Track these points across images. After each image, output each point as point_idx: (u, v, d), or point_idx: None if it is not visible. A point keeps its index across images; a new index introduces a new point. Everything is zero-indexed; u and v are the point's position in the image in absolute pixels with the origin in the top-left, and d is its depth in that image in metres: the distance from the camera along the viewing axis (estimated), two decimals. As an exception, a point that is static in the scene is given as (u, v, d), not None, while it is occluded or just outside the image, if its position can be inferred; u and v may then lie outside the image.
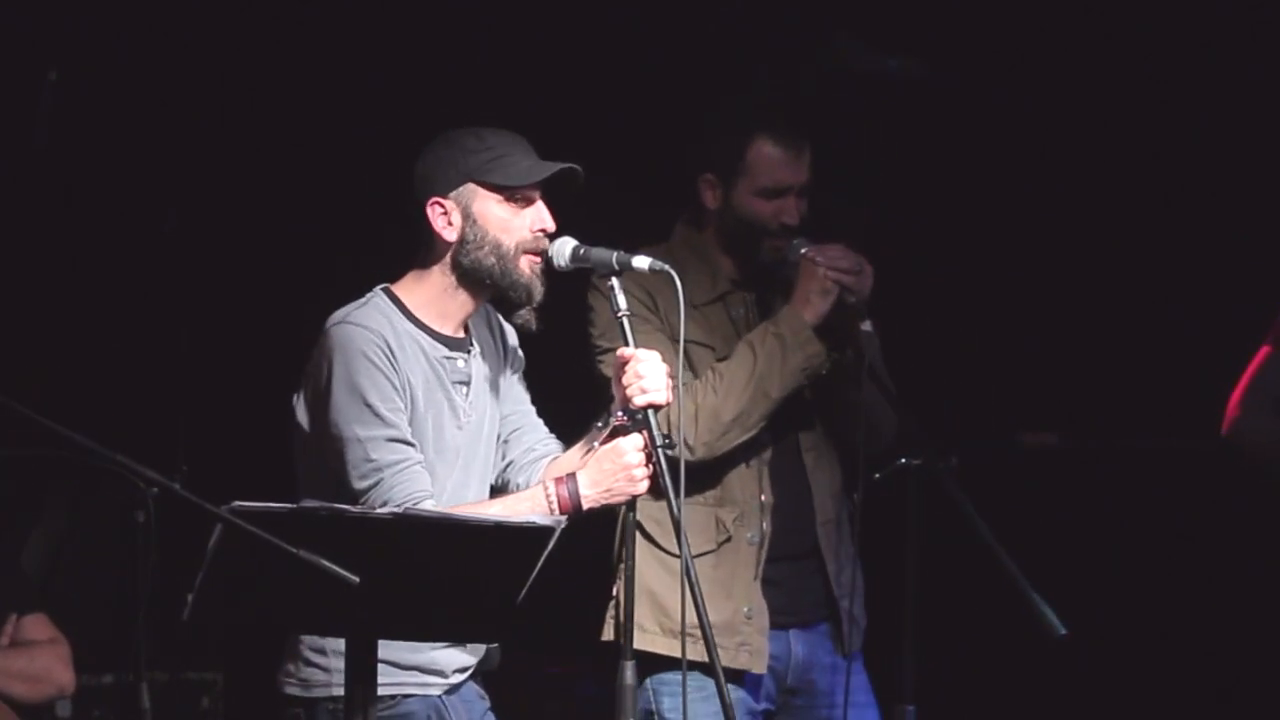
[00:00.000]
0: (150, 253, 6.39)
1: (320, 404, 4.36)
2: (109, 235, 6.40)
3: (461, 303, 4.49)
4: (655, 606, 4.94)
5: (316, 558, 3.67)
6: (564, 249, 4.46)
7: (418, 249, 4.49)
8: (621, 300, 4.38)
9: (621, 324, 4.38)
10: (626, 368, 4.36)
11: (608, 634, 5.05)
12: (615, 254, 4.42)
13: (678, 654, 4.79)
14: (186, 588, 3.79)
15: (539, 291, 4.47)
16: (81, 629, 5.56)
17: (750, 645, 5.02)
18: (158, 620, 4.54)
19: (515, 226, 4.45)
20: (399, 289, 4.49)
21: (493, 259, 4.44)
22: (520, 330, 4.58)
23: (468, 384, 4.51)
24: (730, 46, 6.67)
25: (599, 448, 4.42)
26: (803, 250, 5.03)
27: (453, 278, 4.46)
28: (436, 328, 4.47)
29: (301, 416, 4.42)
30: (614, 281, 4.40)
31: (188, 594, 3.79)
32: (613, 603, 5.06)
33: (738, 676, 4.99)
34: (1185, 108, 6.39)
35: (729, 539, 5.04)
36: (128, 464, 4.10)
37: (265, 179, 6.45)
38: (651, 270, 4.42)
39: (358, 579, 3.68)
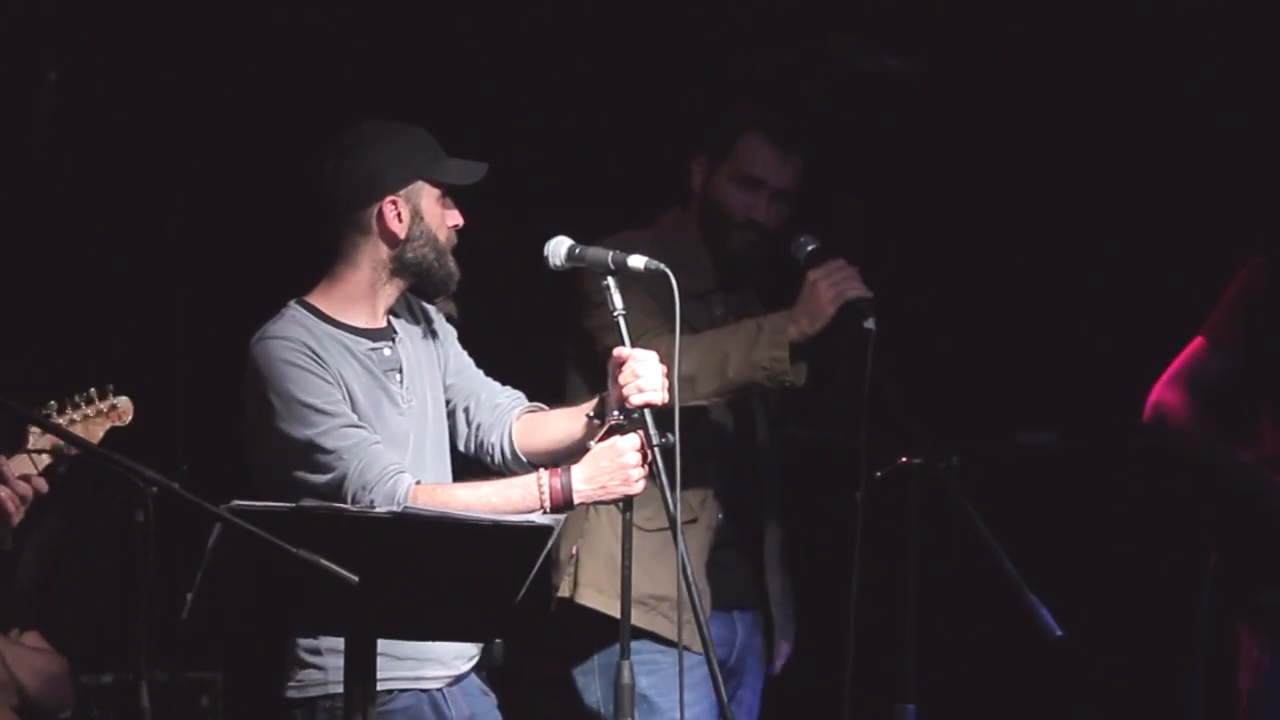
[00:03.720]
0: (151, 253, 6.38)
1: (264, 423, 4.36)
2: (109, 235, 6.39)
3: (386, 295, 4.53)
4: (615, 572, 4.96)
5: (316, 557, 3.67)
6: (559, 248, 4.47)
7: (337, 250, 4.49)
8: (618, 300, 4.38)
9: (618, 323, 4.38)
10: (623, 367, 4.36)
11: (564, 590, 5.09)
12: (611, 253, 4.43)
13: (635, 622, 4.84)
14: (186, 587, 3.79)
15: (458, 279, 4.55)
16: (81, 629, 5.56)
17: (692, 623, 5.05)
18: (157, 620, 4.54)
19: (443, 222, 4.53)
20: (314, 297, 4.51)
21: (433, 255, 4.50)
22: (446, 318, 4.64)
23: (399, 370, 4.51)
24: (730, 46, 6.68)
25: (595, 446, 4.41)
26: (809, 246, 5.01)
27: (385, 273, 4.50)
28: (358, 324, 4.49)
29: (251, 441, 4.43)
30: (609, 281, 4.40)
31: (187, 593, 3.79)
32: (572, 561, 5.11)
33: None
34: (1186, 108, 6.39)
35: (694, 520, 5.10)
36: (127, 464, 4.10)
37: (266, 178, 6.44)
38: (647, 269, 4.42)
39: (357, 578, 3.68)
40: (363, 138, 4.48)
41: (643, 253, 4.58)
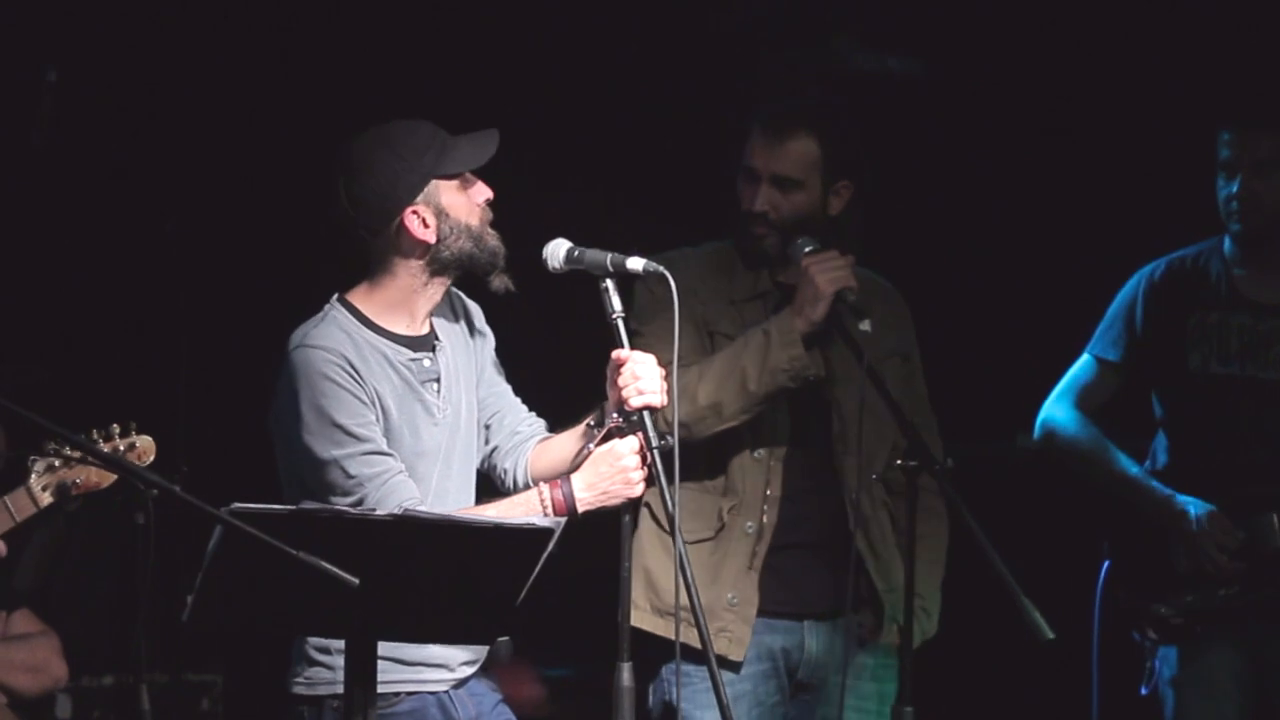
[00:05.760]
0: (151, 254, 6.38)
1: (292, 432, 4.35)
2: (109, 236, 6.39)
3: (429, 296, 4.48)
4: (648, 585, 4.97)
5: (316, 559, 3.67)
6: (558, 251, 4.44)
7: (373, 257, 4.45)
8: (616, 302, 4.38)
9: (616, 326, 4.38)
10: (622, 370, 4.35)
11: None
12: (609, 256, 4.40)
13: (663, 634, 4.82)
14: (186, 589, 3.79)
15: (504, 253, 4.47)
16: (81, 630, 5.56)
17: (730, 632, 5.02)
18: (157, 622, 4.55)
19: (472, 205, 4.45)
20: (356, 297, 4.46)
21: (469, 243, 4.43)
22: (502, 294, 4.54)
23: (438, 380, 4.49)
24: (731, 47, 6.68)
25: (594, 450, 4.41)
26: (806, 248, 5.01)
27: (424, 276, 4.45)
28: (400, 330, 4.46)
29: (277, 441, 4.42)
30: (608, 283, 4.38)
31: (187, 596, 3.79)
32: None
33: (727, 665, 4.99)
34: (1187, 108, 6.39)
35: (723, 527, 5.04)
36: (127, 465, 4.10)
37: (265, 180, 6.45)
38: (646, 272, 4.41)
39: (357, 581, 3.68)
40: (366, 152, 4.39)
41: (695, 263, 4.68)
